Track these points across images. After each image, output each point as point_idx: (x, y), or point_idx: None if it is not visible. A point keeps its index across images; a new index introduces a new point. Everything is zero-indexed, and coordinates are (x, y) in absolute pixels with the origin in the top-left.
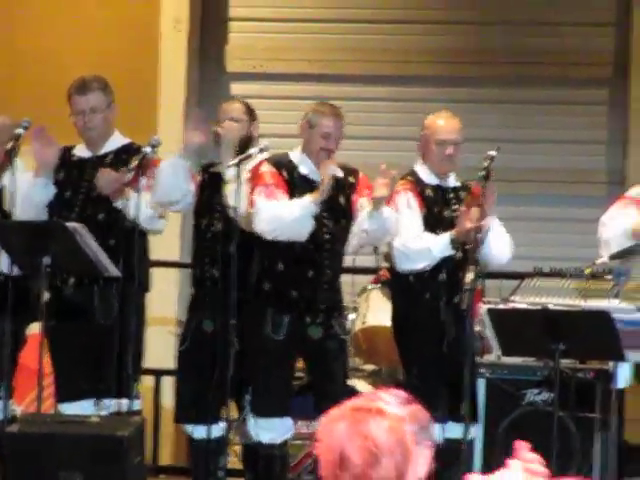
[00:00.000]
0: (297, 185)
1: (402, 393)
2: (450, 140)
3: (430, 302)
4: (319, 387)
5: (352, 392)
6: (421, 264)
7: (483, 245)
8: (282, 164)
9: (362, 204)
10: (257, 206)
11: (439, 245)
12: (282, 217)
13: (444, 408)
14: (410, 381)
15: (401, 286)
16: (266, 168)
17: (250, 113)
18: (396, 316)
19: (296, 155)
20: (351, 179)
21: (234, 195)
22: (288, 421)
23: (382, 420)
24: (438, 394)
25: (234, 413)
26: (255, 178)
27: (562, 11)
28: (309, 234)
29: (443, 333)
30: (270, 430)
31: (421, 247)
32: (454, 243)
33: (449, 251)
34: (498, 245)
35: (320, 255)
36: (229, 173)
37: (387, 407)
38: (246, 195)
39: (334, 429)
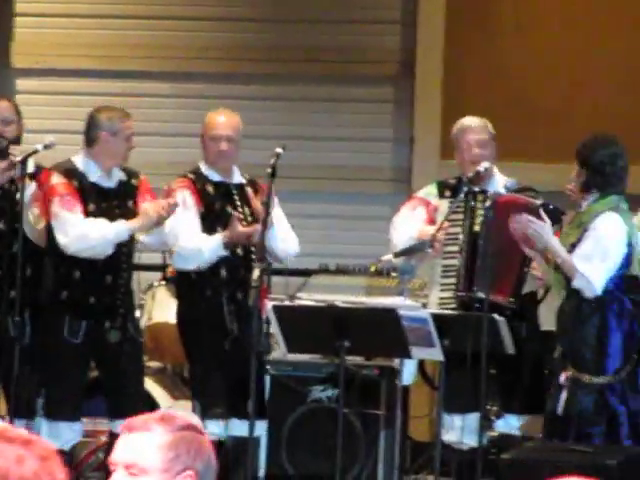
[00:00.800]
0: (88, 193)
1: (182, 417)
2: (223, 136)
3: (212, 299)
4: (114, 390)
5: (147, 396)
6: (193, 264)
7: (267, 242)
8: (71, 173)
9: (144, 209)
10: (61, 220)
11: (211, 246)
12: (90, 237)
13: (229, 405)
14: (194, 378)
15: (184, 283)
16: (57, 179)
17: (18, 112)
18: (180, 312)
19: (80, 160)
20: (134, 182)
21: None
22: (78, 425)
23: None
24: (221, 391)
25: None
26: (48, 190)
27: (348, 9)
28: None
29: (226, 330)
30: (59, 436)
31: (193, 248)
32: (226, 245)
33: (221, 252)
34: (284, 240)
35: (118, 260)
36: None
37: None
38: (36, 207)
39: None
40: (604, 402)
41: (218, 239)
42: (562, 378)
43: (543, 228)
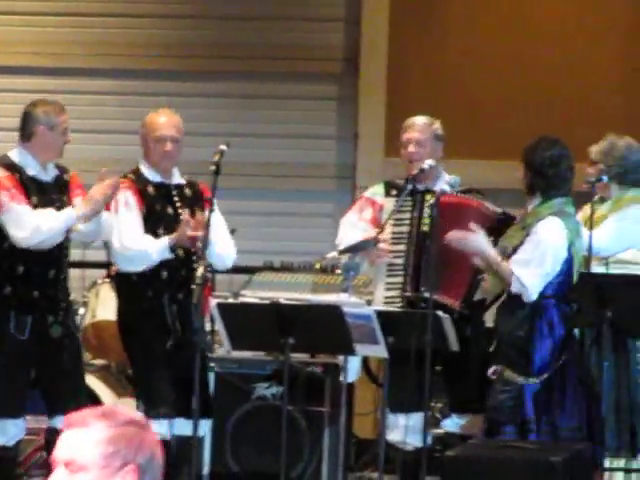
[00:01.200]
0: (28, 187)
1: (124, 412)
2: (168, 137)
3: (153, 299)
4: (53, 385)
5: (91, 393)
6: (140, 266)
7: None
8: (11, 167)
9: (90, 194)
10: (13, 213)
11: (157, 249)
12: (43, 228)
13: (174, 404)
14: (137, 378)
15: (124, 284)
16: (1, 173)
17: None
18: (121, 313)
19: (16, 155)
20: (66, 177)
21: None
22: (22, 422)
23: None
24: (165, 391)
25: None
26: None
27: (292, 6)
28: None
29: (169, 330)
30: (4, 432)
31: (140, 250)
32: (172, 248)
33: (167, 255)
34: (221, 248)
35: (60, 254)
36: None
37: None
38: None
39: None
40: (520, 403)
41: (165, 242)
42: (490, 371)
43: (475, 240)
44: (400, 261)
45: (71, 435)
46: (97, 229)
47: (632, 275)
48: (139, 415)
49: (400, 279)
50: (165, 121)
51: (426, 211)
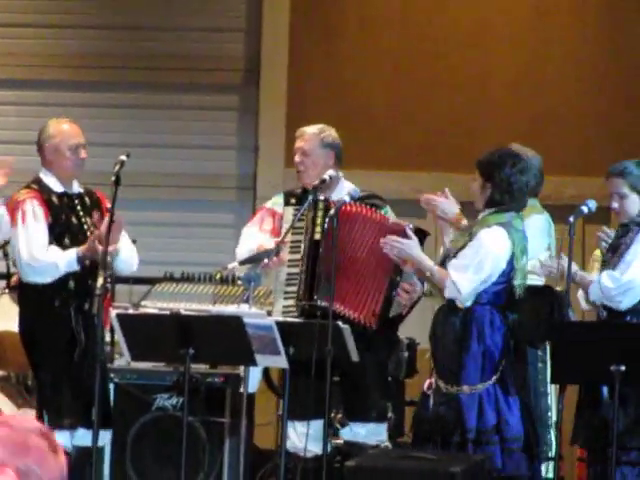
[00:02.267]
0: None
1: (17, 418)
2: (81, 144)
3: (59, 309)
4: None
5: None
6: (47, 278)
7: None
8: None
9: None
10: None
11: (65, 261)
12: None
13: (78, 415)
14: (42, 388)
15: (29, 294)
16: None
17: None
18: (24, 324)
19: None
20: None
21: None
22: None
23: None
24: (70, 402)
25: None
26: None
27: (192, 17)
28: None
29: (75, 341)
30: None
31: (48, 262)
32: (79, 260)
33: (75, 267)
34: (125, 258)
35: None
36: None
37: None
38: None
39: None
40: (458, 413)
41: (72, 254)
42: (426, 385)
43: (409, 246)
44: (297, 270)
45: None
46: None
47: (530, 285)
48: (36, 424)
49: (296, 288)
50: (75, 129)
51: (319, 220)
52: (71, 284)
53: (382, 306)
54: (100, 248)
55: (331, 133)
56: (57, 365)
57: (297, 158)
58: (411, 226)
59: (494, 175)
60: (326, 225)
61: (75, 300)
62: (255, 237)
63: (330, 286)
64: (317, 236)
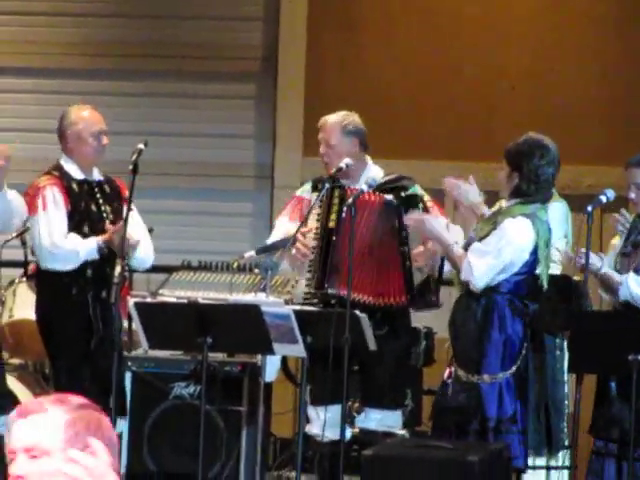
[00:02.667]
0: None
1: (76, 397)
2: (104, 130)
3: (77, 297)
4: None
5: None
6: (67, 265)
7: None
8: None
9: None
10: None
11: (86, 249)
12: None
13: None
14: (58, 376)
15: (47, 281)
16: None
17: None
18: (42, 311)
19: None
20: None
21: None
22: None
23: None
24: (86, 390)
25: None
26: None
27: (209, 5)
28: None
29: (92, 329)
30: None
31: (69, 249)
32: (101, 250)
33: (95, 255)
34: (144, 252)
35: None
36: None
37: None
38: None
39: None
40: (478, 402)
41: (93, 243)
42: (445, 374)
43: (432, 224)
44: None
45: (29, 422)
46: (7, 209)
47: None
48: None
49: (311, 275)
50: (96, 115)
51: (335, 208)
52: (89, 272)
53: (405, 280)
54: (119, 241)
55: (353, 120)
56: (74, 353)
57: (322, 149)
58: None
59: (522, 165)
60: (343, 214)
61: (92, 288)
62: (284, 227)
63: (340, 275)
64: (331, 224)
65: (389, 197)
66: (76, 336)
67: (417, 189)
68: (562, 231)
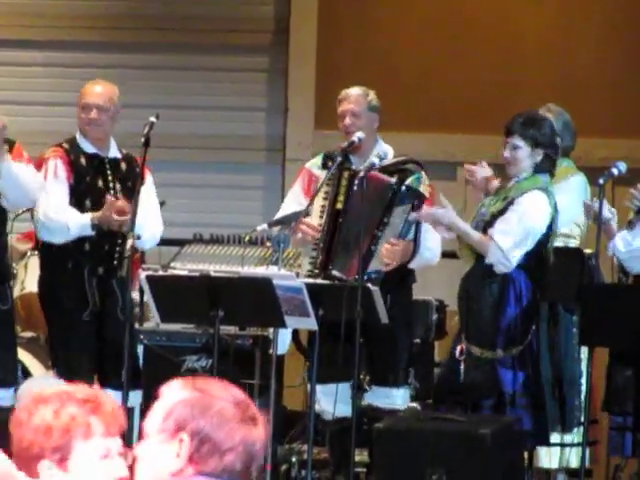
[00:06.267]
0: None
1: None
2: (92, 104)
3: (72, 271)
4: None
5: (20, 365)
6: (59, 239)
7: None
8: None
9: None
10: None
11: (78, 225)
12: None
13: (102, 376)
14: (54, 347)
15: (46, 253)
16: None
17: None
18: (41, 283)
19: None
20: (5, 147)
21: None
22: None
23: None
24: (81, 361)
25: None
26: None
27: None
28: None
29: (87, 302)
30: None
31: (60, 223)
32: (94, 227)
33: (88, 231)
34: (149, 229)
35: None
36: None
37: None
38: None
39: None
40: (494, 377)
41: (86, 219)
42: (457, 351)
43: (446, 214)
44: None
45: (155, 405)
46: (15, 184)
47: (560, 247)
48: (237, 394)
49: (316, 254)
50: (94, 90)
51: (343, 189)
52: (86, 246)
53: (361, 257)
54: (115, 218)
55: (373, 96)
56: (68, 325)
57: (347, 121)
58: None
59: (544, 142)
60: (355, 187)
61: (89, 262)
62: (297, 199)
63: (346, 259)
64: (339, 205)
65: (393, 180)
66: (71, 308)
67: (422, 175)
68: (581, 206)
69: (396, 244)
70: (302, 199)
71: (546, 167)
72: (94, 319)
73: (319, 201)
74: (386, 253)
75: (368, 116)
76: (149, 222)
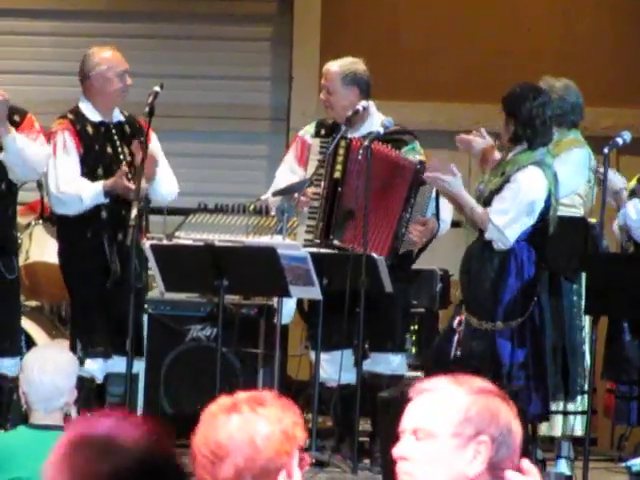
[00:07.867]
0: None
1: (477, 380)
2: (128, 70)
3: (92, 240)
4: None
5: (24, 334)
6: (73, 210)
7: (152, 184)
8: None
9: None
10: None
11: (91, 194)
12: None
13: (108, 343)
14: (76, 316)
15: (63, 224)
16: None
17: None
18: (61, 253)
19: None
20: (16, 118)
21: None
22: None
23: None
24: (103, 329)
25: None
26: None
27: None
28: None
29: (108, 270)
30: None
31: (73, 194)
32: (107, 194)
33: (102, 200)
34: (163, 184)
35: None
36: None
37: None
38: None
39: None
40: (492, 349)
41: (99, 187)
42: (455, 322)
43: (453, 183)
44: (317, 204)
45: (420, 402)
46: (18, 157)
47: (565, 217)
48: (491, 385)
49: (314, 222)
50: (118, 56)
51: (340, 159)
52: (103, 214)
53: (391, 242)
54: (127, 184)
55: (356, 68)
56: (89, 294)
57: (322, 96)
58: (416, 160)
59: (516, 110)
60: (359, 156)
61: (108, 230)
62: (292, 168)
63: (348, 228)
64: (337, 175)
65: (416, 160)
66: (91, 276)
67: (416, 145)
68: (584, 177)
69: (425, 224)
70: (295, 167)
71: (523, 137)
72: (114, 287)
73: (312, 170)
74: (417, 234)
75: (342, 92)
76: (165, 177)
